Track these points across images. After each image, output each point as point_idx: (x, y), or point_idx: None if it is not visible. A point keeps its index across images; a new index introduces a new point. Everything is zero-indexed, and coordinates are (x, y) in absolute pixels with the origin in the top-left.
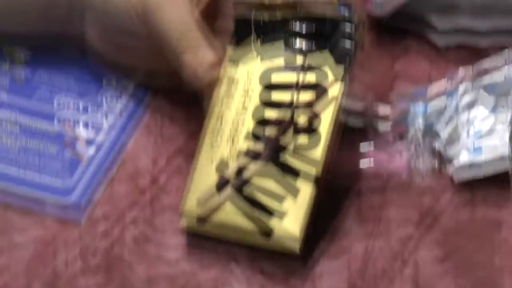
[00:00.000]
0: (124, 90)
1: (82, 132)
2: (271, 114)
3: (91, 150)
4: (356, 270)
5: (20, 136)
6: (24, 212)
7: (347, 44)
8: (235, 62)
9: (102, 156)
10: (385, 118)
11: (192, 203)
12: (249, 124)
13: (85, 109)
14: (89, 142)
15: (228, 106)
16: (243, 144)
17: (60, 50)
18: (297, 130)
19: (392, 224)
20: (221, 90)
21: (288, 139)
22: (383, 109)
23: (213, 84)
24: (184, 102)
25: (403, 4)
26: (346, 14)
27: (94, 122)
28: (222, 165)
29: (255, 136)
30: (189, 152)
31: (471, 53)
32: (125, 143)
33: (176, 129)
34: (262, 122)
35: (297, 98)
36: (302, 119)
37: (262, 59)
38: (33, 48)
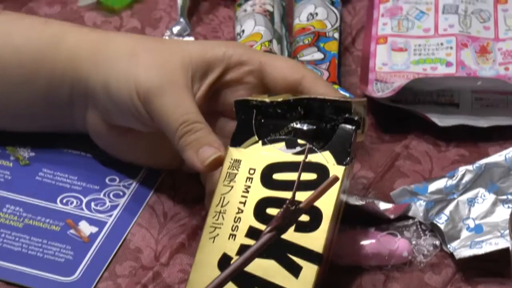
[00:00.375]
0: (127, 187)
1: (86, 210)
2: (273, 199)
3: (94, 229)
4: None
5: (24, 236)
6: None
7: (348, 139)
8: (237, 158)
9: (105, 235)
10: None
11: None
12: (250, 219)
13: (88, 204)
14: (92, 221)
15: (228, 200)
16: (245, 238)
17: (63, 149)
18: (300, 212)
19: None
20: (221, 184)
21: (290, 221)
22: (384, 205)
23: (213, 184)
24: (187, 180)
25: (404, 104)
26: (347, 112)
27: (98, 203)
28: (223, 257)
29: (258, 225)
30: (191, 230)
31: (472, 151)
32: (128, 221)
33: (179, 208)
34: (264, 211)
35: (299, 179)
36: (304, 201)
37: (263, 152)
38: (36, 147)
